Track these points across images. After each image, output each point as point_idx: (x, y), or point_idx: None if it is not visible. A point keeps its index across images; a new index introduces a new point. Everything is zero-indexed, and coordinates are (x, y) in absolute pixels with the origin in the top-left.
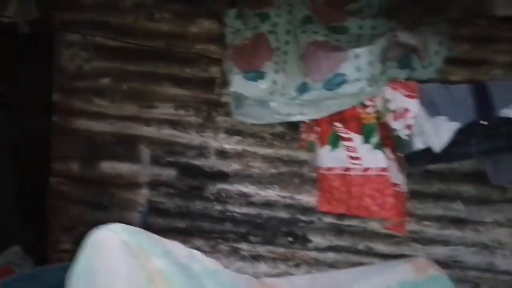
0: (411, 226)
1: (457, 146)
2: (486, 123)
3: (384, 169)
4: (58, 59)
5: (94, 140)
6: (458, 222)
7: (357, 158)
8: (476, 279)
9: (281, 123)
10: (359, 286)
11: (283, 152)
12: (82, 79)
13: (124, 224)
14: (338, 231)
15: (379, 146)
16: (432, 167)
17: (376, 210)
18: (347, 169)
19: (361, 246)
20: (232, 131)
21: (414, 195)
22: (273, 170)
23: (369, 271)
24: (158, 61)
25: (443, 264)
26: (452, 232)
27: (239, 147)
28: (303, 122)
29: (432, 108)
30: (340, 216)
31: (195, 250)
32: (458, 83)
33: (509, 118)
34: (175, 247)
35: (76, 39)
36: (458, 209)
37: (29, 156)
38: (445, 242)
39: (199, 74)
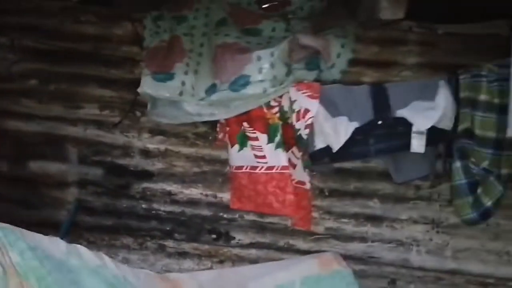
0: (330, 223)
1: (356, 145)
2: (381, 122)
3: (284, 167)
4: None
5: (23, 140)
6: (374, 219)
7: (262, 157)
8: (392, 274)
9: (204, 123)
10: (264, 281)
11: (205, 151)
12: (10, 80)
13: None
14: (260, 228)
15: (281, 145)
16: (348, 165)
17: (277, 207)
18: (254, 167)
19: (281, 243)
20: (156, 131)
21: (332, 193)
22: (196, 169)
23: (275, 266)
24: (85, 63)
25: (360, 260)
26: (369, 229)
27: (162, 147)
28: (219, 122)
29: (332, 109)
30: (261, 214)
31: (80, 246)
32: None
33: (404, 118)
34: (52, 243)
35: (4, 42)
36: (374, 206)
37: None
38: (362, 239)
39: (125, 76)
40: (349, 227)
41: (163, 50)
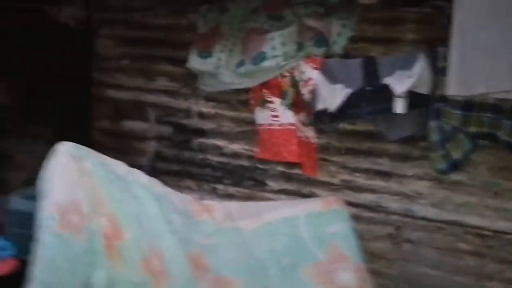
0: (345, 176)
1: (351, 108)
2: (370, 88)
3: (291, 124)
4: (95, 47)
5: (118, 105)
6: (383, 174)
7: (276, 116)
8: (398, 222)
9: (244, 92)
10: (275, 212)
11: (245, 114)
12: (110, 60)
13: (74, 143)
14: (288, 177)
15: (290, 106)
16: (362, 128)
17: (286, 156)
18: (271, 124)
19: (305, 190)
20: (208, 98)
21: (347, 151)
22: (238, 129)
23: (287, 203)
24: (159, 46)
25: (370, 208)
26: (378, 183)
27: (213, 110)
28: (251, 90)
29: (331, 77)
30: (288, 166)
31: (137, 170)
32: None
33: (389, 85)
34: (117, 164)
35: (107, 32)
36: (384, 164)
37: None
38: (372, 190)
39: (186, 56)
40: (361, 180)
41: (207, 35)
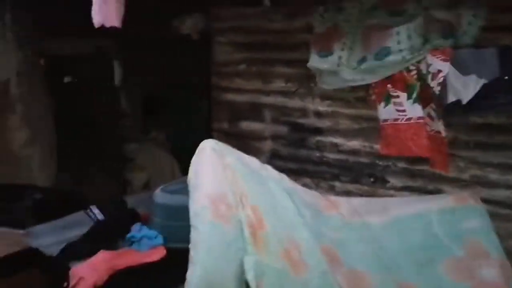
0: (474, 171)
1: (484, 99)
2: (507, 78)
3: (420, 118)
4: (214, 54)
5: (236, 107)
6: None
7: (402, 111)
8: None
9: (360, 89)
10: (405, 208)
11: (363, 111)
12: (228, 66)
13: (216, 140)
14: (411, 174)
15: (417, 100)
16: (492, 120)
17: (415, 150)
18: (396, 119)
19: (431, 187)
20: (324, 97)
21: (476, 145)
22: (356, 126)
23: (416, 199)
24: (274, 50)
25: (505, 204)
26: None
27: (330, 109)
28: (370, 86)
29: (463, 69)
30: (412, 161)
31: (268, 165)
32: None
33: None
34: (251, 160)
35: (223, 40)
36: None
37: None
38: (507, 186)
39: (300, 57)
40: (494, 175)
41: (326, 35)
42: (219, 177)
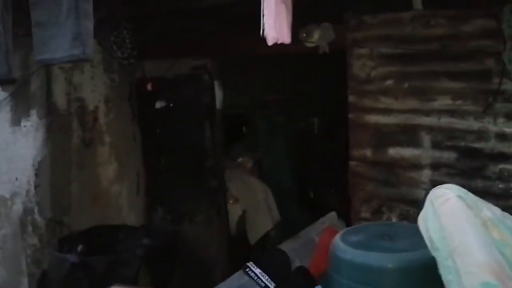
0: None
1: None
2: None
3: None
4: (351, 69)
5: (381, 130)
6: None
7: None
8: None
9: None
10: None
11: None
12: (370, 83)
13: (455, 185)
14: None
15: None
16: None
17: None
18: None
19: None
20: (511, 116)
21: None
22: None
23: None
24: (434, 60)
25: None
26: None
27: None
28: None
29: None
30: None
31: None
32: None
33: None
34: (492, 206)
35: (364, 52)
36: None
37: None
38: None
39: (474, 68)
40: None
41: None
42: (487, 240)
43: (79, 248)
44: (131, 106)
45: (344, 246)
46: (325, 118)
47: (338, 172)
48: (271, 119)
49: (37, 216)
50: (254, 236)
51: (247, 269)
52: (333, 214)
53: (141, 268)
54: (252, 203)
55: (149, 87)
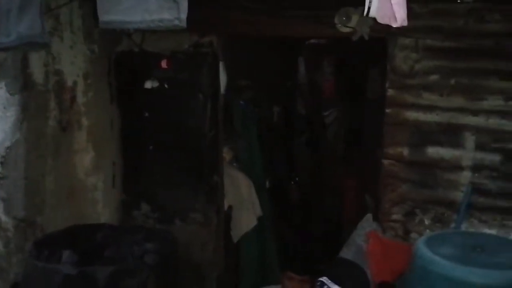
0: None
1: None
2: None
3: None
4: (392, 61)
5: (421, 128)
6: None
7: None
8: None
9: None
10: None
11: None
12: (413, 77)
13: None
14: None
15: None
16: None
17: None
18: None
19: None
20: None
21: None
22: None
23: None
24: (485, 58)
25: None
26: None
27: None
28: None
29: None
30: None
31: None
32: None
33: None
34: None
35: (408, 43)
36: None
37: None
38: None
39: None
40: None
41: None
42: None
43: (65, 255)
44: (109, 84)
45: (438, 259)
46: (284, 107)
47: (298, 164)
48: (244, 106)
49: (2, 215)
50: (237, 233)
51: (324, 286)
52: (369, 216)
53: (150, 279)
54: (237, 198)
55: (163, 64)
